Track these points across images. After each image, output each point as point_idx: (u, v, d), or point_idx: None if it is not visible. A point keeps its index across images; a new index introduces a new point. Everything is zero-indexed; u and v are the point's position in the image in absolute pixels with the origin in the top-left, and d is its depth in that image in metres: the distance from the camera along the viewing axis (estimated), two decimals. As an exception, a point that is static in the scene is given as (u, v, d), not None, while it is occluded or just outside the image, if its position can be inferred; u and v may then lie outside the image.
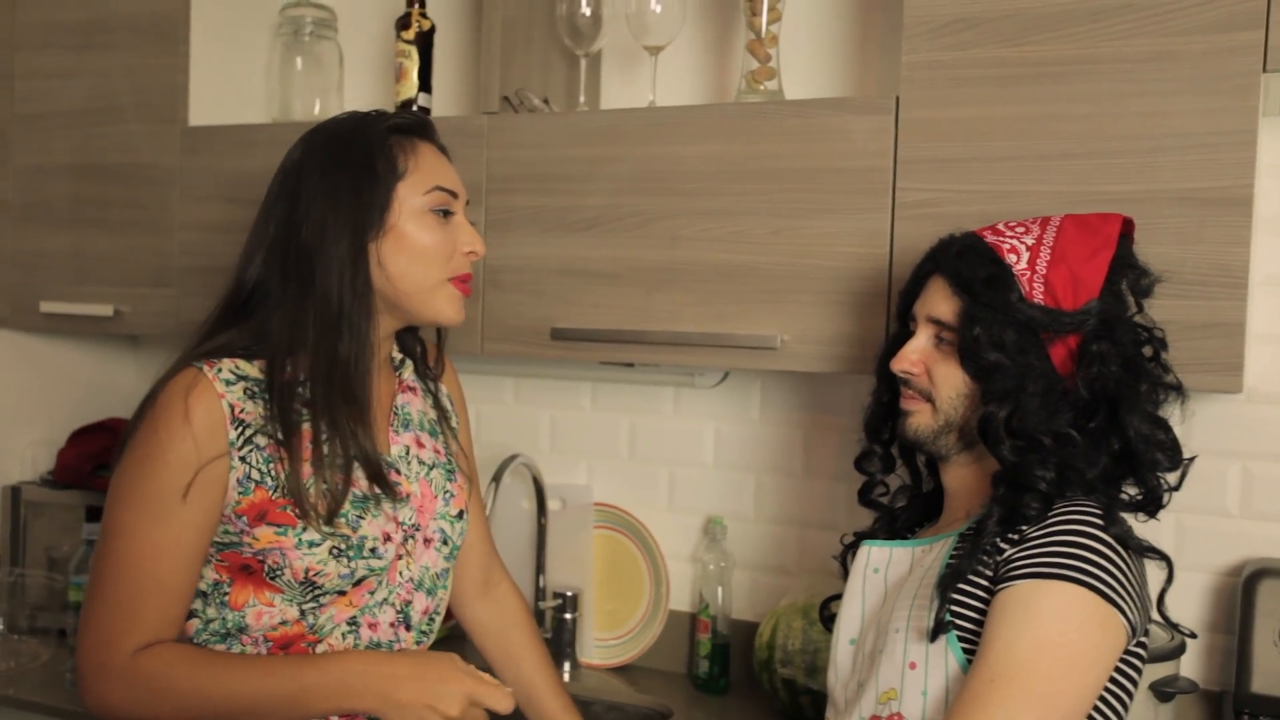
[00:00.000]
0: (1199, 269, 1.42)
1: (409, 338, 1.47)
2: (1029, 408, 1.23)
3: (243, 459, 1.26)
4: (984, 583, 1.20)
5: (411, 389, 1.45)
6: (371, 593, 1.34)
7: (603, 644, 2.10)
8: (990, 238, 1.31)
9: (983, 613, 1.19)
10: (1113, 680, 1.21)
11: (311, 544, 1.27)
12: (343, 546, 1.28)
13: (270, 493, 1.26)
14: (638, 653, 2.08)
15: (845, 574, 1.40)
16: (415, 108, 1.93)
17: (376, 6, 2.26)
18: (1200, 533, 1.74)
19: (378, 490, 1.32)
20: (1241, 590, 1.63)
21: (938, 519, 1.40)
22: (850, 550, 1.41)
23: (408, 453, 1.40)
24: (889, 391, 1.39)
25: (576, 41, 1.87)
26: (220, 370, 1.27)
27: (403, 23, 1.93)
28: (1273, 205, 1.68)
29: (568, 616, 2.06)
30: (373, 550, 1.31)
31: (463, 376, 1.64)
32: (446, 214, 1.34)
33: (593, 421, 2.15)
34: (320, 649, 1.31)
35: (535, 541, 2.12)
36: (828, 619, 1.43)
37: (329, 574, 1.28)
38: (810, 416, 1.99)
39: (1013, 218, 1.44)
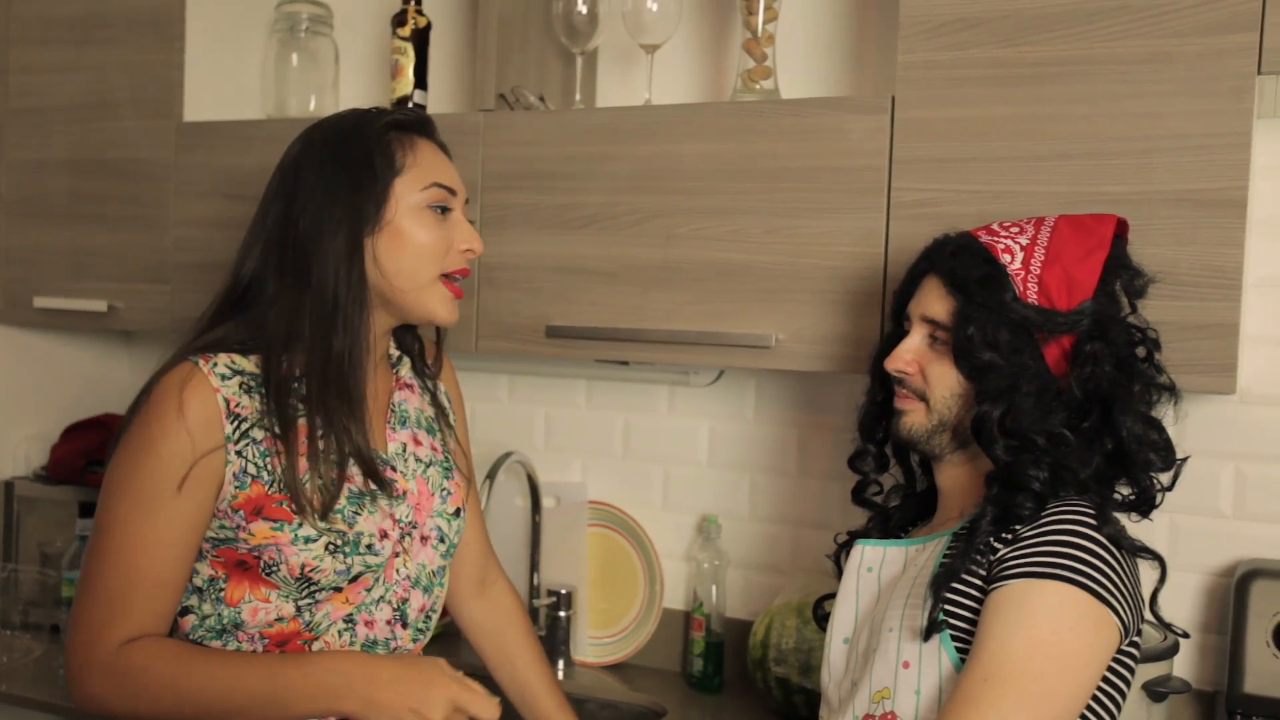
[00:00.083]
0: (1193, 270, 1.42)
1: (407, 336, 1.47)
2: (1023, 407, 1.23)
3: (239, 453, 1.26)
4: (977, 582, 1.20)
5: (409, 386, 1.45)
6: (368, 590, 1.33)
7: (597, 642, 2.10)
8: (985, 238, 1.31)
9: (976, 612, 1.19)
10: (1106, 680, 1.21)
11: (307, 539, 1.27)
12: (339, 542, 1.28)
13: (266, 487, 1.26)
14: (632, 651, 2.08)
15: (839, 573, 1.40)
16: (411, 105, 1.92)
17: (372, 3, 2.26)
18: (1193, 533, 1.74)
19: (374, 486, 1.32)
20: (1234, 591, 1.63)
21: (931, 518, 1.40)
22: (844, 549, 1.41)
23: (404, 450, 1.40)
24: (883, 391, 1.39)
25: (573, 39, 1.87)
26: (216, 365, 1.27)
27: (399, 19, 1.93)
28: (1267, 207, 1.69)
29: (562, 614, 2.06)
30: (369, 547, 1.31)
31: (458, 373, 1.64)
32: (445, 211, 1.34)
33: (587, 419, 2.15)
34: (316, 647, 1.31)
35: (529, 539, 2.12)
36: (821, 618, 1.43)
37: (325, 570, 1.28)
38: (805, 415, 1.99)
39: (1008, 218, 1.44)
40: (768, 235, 1.65)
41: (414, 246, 1.31)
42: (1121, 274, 1.31)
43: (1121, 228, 1.34)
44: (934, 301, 1.31)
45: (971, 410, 1.27)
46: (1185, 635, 1.45)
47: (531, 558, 2.11)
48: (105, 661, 1.23)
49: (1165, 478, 1.28)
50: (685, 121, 1.69)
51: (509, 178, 1.80)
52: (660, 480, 2.10)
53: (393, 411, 1.41)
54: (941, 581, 1.21)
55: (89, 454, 2.29)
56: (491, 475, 1.96)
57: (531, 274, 1.79)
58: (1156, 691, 1.55)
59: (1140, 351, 1.29)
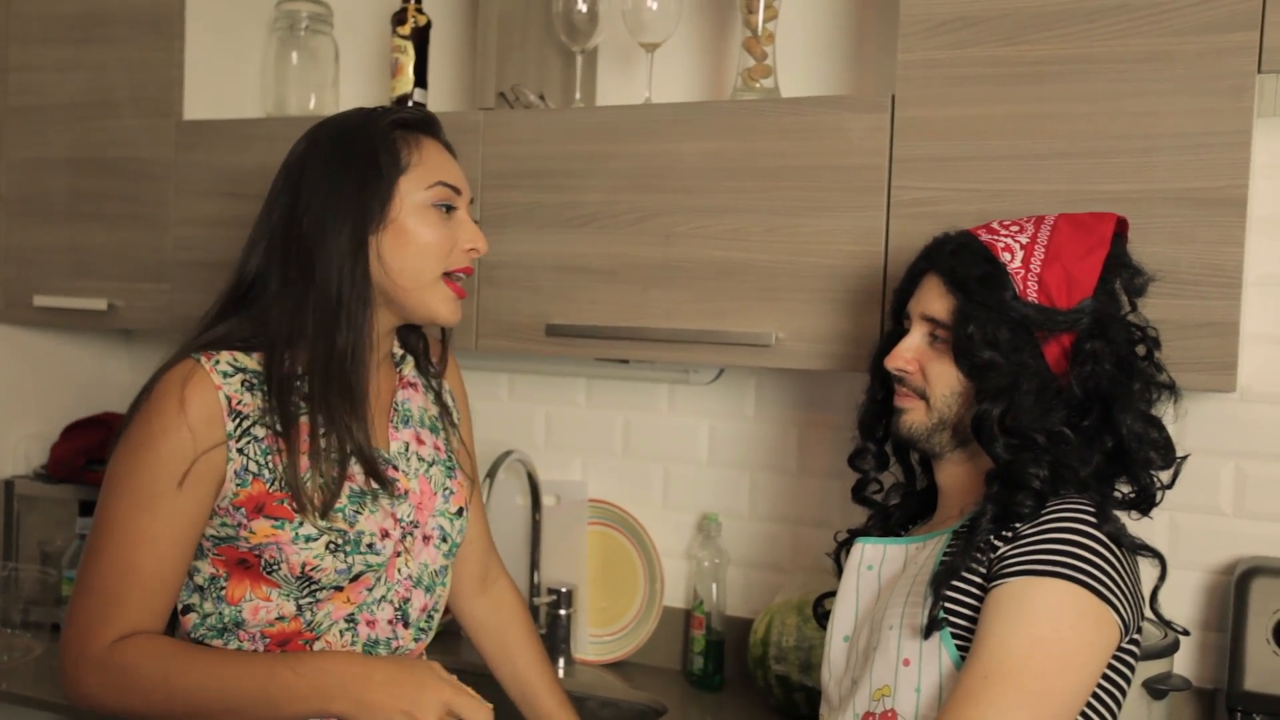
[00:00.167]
0: (1193, 268, 1.42)
1: (411, 335, 1.47)
2: (1023, 406, 1.23)
3: (240, 450, 1.26)
4: (977, 580, 1.21)
5: (412, 385, 1.45)
6: (369, 589, 1.33)
7: (597, 640, 2.11)
8: (985, 236, 1.31)
9: (976, 610, 1.19)
10: (1106, 678, 1.21)
11: (308, 538, 1.27)
12: (339, 541, 1.28)
13: (268, 485, 1.26)
14: (632, 649, 2.08)
15: (839, 571, 1.40)
16: (411, 103, 1.92)
17: (372, 2, 2.26)
18: (1193, 531, 1.74)
19: (375, 485, 1.32)
20: (1234, 588, 1.64)
21: (931, 516, 1.40)
22: (844, 547, 1.41)
23: (407, 449, 1.40)
24: (883, 389, 1.40)
25: (573, 38, 1.87)
26: (218, 362, 1.27)
27: (399, 18, 1.93)
28: (1267, 206, 1.69)
29: (562, 613, 2.07)
30: (370, 546, 1.31)
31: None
32: (449, 210, 1.34)
33: (587, 418, 2.15)
34: (318, 646, 1.31)
35: (530, 538, 2.12)
36: (822, 616, 1.43)
37: (325, 569, 1.28)
38: (805, 414, 1.99)
39: (1008, 216, 1.44)
40: (768, 234, 1.65)
41: (418, 245, 1.31)
42: (1121, 272, 1.31)
43: (1121, 226, 1.34)
44: (934, 300, 1.31)
45: (971, 408, 1.27)
46: (1185, 633, 1.46)
47: (532, 556, 2.11)
48: (98, 658, 1.23)
49: (1165, 476, 1.28)
50: (685, 120, 1.69)
51: (509, 176, 1.80)
52: (660, 478, 2.10)
53: (395, 410, 1.41)
54: (942, 579, 1.21)
55: (89, 453, 2.29)
56: (492, 474, 1.96)
57: (531, 272, 1.79)
58: (1157, 689, 1.56)
59: (1140, 350, 1.30)
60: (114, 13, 2.11)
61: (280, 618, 1.30)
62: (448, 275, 1.34)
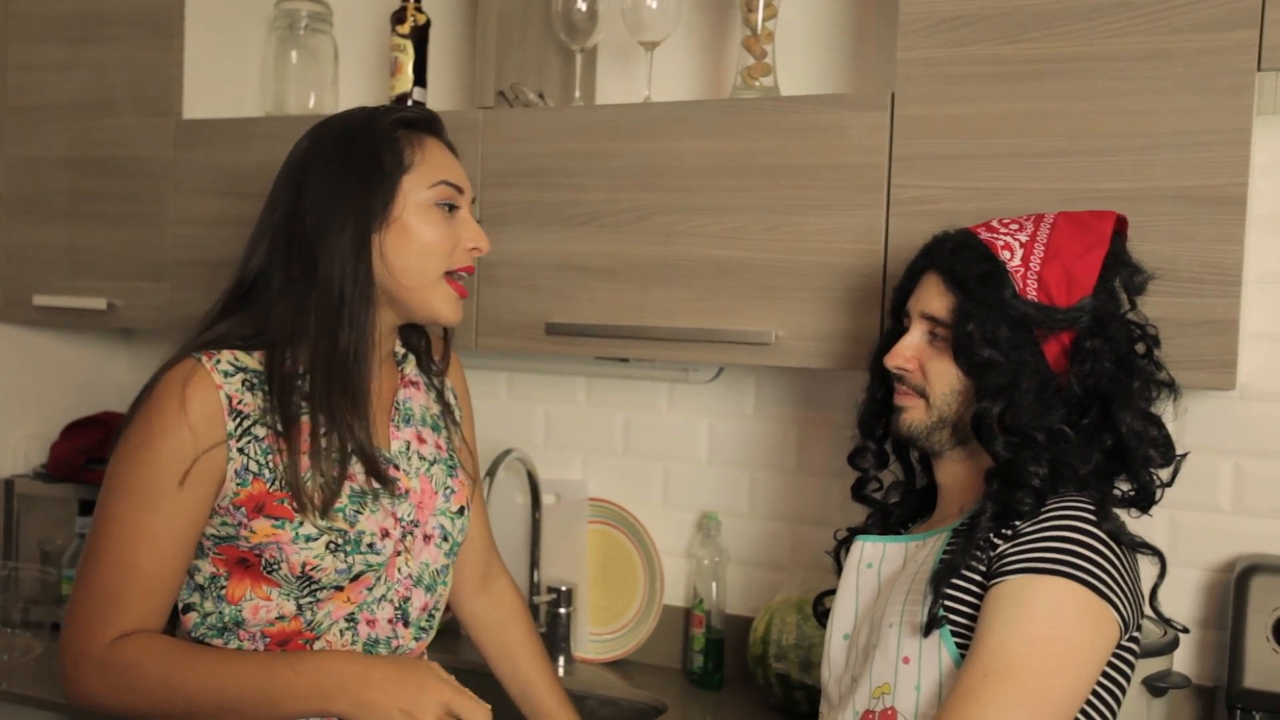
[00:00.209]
0: (1192, 266, 1.42)
1: (413, 333, 1.47)
2: (1022, 404, 1.23)
3: (241, 450, 1.26)
4: (977, 578, 1.21)
5: (414, 384, 1.45)
6: (370, 589, 1.33)
7: (597, 639, 2.11)
8: (984, 234, 1.31)
9: (976, 608, 1.19)
10: (1105, 675, 1.21)
11: (308, 538, 1.27)
12: (339, 541, 1.28)
13: (268, 485, 1.26)
14: (632, 647, 2.09)
15: (839, 569, 1.40)
16: (411, 102, 1.92)
17: (372, 1, 2.26)
18: (1193, 529, 1.74)
19: (376, 485, 1.32)
20: (1234, 586, 1.64)
21: (931, 514, 1.40)
22: (844, 545, 1.41)
23: (408, 448, 1.40)
24: (883, 387, 1.40)
25: (572, 36, 1.87)
26: (219, 361, 1.27)
27: (398, 17, 1.93)
28: (1266, 204, 1.69)
29: (562, 611, 2.07)
30: (370, 545, 1.31)
31: (458, 371, 1.64)
32: (451, 209, 1.34)
33: (587, 417, 2.15)
34: (318, 646, 1.31)
35: (530, 536, 2.12)
36: (821, 614, 1.43)
37: (326, 569, 1.28)
38: (804, 412, 1.99)
39: (1007, 215, 1.44)
40: (767, 232, 1.65)
41: (421, 244, 1.31)
42: (1121, 270, 1.31)
43: (1121, 224, 1.34)
44: (934, 298, 1.31)
45: (971, 407, 1.27)
46: (1185, 630, 1.46)
47: (532, 555, 2.11)
48: (98, 657, 1.23)
49: (1165, 474, 1.28)
50: (685, 119, 1.69)
51: (508, 175, 1.80)
52: (660, 477, 2.10)
53: (396, 409, 1.41)
54: (942, 577, 1.21)
55: (89, 452, 2.29)
56: (491, 472, 1.96)
57: (531, 271, 1.79)
58: (1156, 686, 1.56)
59: (1140, 348, 1.30)
60: (113, 12, 2.11)
61: (280, 617, 1.30)
62: (450, 274, 1.34)
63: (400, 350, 1.46)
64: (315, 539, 1.27)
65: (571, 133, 1.76)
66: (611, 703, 1.97)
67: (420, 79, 1.93)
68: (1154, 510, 1.28)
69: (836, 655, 1.33)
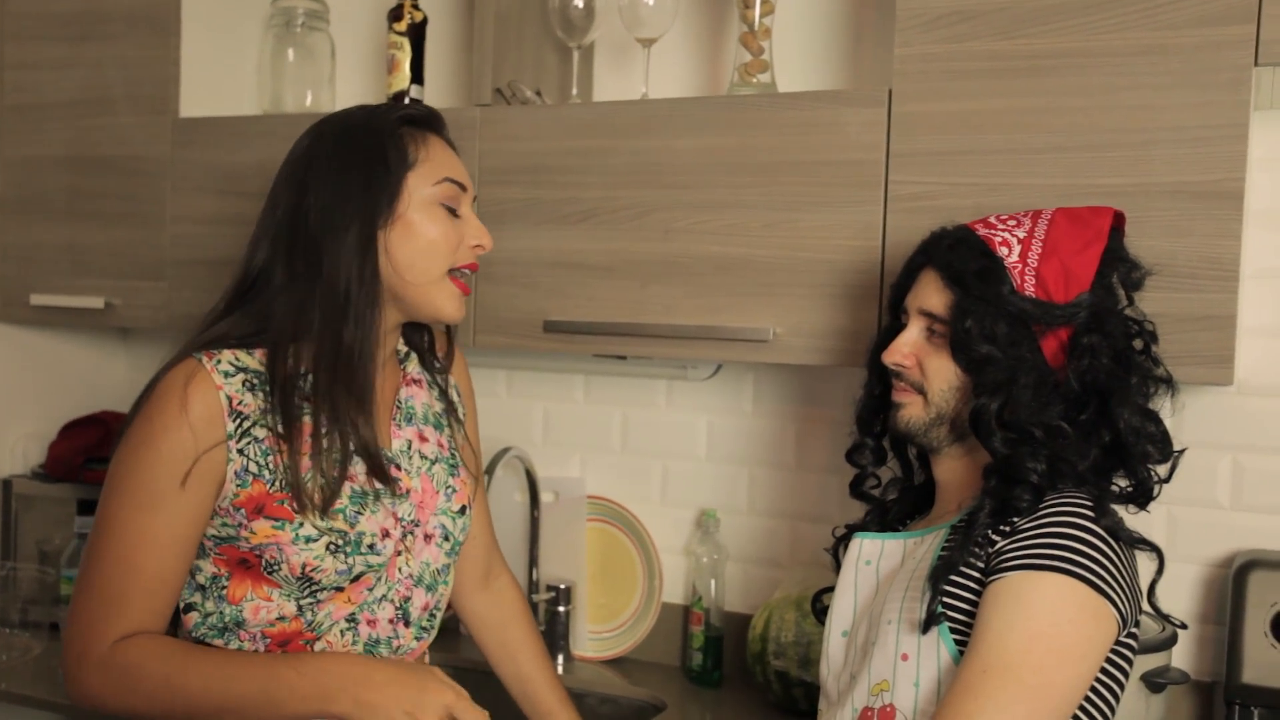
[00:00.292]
0: (1190, 262, 1.42)
1: (415, 331, 1.47)
2: (1020, 400, 1.23)
3: (240, 451, 1.26)
4: (975, 574, 1.21)
5: (416, 382, 1.45)
6: (370, 589, 1.33)
7: (596, 637, 2.11)
8: (982, 231, 1.31)
9: (974, 604, 1.19)
10: (1104, 671, 1.21)
11: (308, 539, 1.27)
12: (340, 542, 1.28)
13: (268, 486, 1.26)
14: (631, 645, 2.09)
15: (837, 566, 1.40)
16: (408, 100, 1.92)
17: (369, -2, 2.26)
18: (1191, 524, 1.74)
19: (377, 485, 1.32)
20: (1232, 581, 1.64)
21: (929, 511, 1.40)
22: (842, 543, 1.41)
23: (409, 447, 1.39)
24: (881, 384, 1.40)
25: (569, 33, 1.87)
26: (220, 362, 1.27)
27: (395, 14, 1.93)
28: (1264, 199, 1.69)
29: (561, 609, 2.07)
30: (370, 546, 1.31)
31: (456, 369, 1.64)
32: (455, 207, 1.34)
33: (586, 414, 2.15)
34: (319, 646, 1.31)
35: (528, 534, 2.12)
36: (820, 611, 1.43)
37: (326, 570, 1.28)
38: (803, 409, 1.99)
39: (1005, 211, 1.44)
40: (765, 229, 1.65)
41: (425, 241, 1.31)
42: (1119, 266, 1.31)
43: (1118, 220, 1.34)
44: (931, 295, 1.31)
45: (969, 403, 1.27)
46: (1183, 626, 1.46)
47: (530, 553, 2.11)
48: (101, 658, 1.23)
49: (1163, 469, 1.28)
50: (682, 115, 1.69)
51: (506, 173, 1.80)
52: (659, 475, 2.10)
53: (398, 408, 1.41)
54: (940, 574, 1.21)
55: (87, 451, 2.29)
56: (490, 470, 1.96)
57: (529, 269, 1.79)
58: (1155, 682, 1.56)
59: (1138, 344, 1.30)
60: (110, 10, 2.11)
61: (281, 617, 1.30)
62: (453, 271, 1.34)
63: (403, 348, 1.45)
64: (315, 540, 1.27)
65: (569, 130, 1.76)
66: (611, 700, 1.97)
67: (417, 76, 1.93)
68: (1152, 506, 1.28)
69: (835, 652, 1.33)
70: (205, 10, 2.12)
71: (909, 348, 1.32)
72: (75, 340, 2.46)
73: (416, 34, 1.93)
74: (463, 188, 1.35)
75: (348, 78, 2.25)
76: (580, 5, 1.85)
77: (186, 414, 1.23)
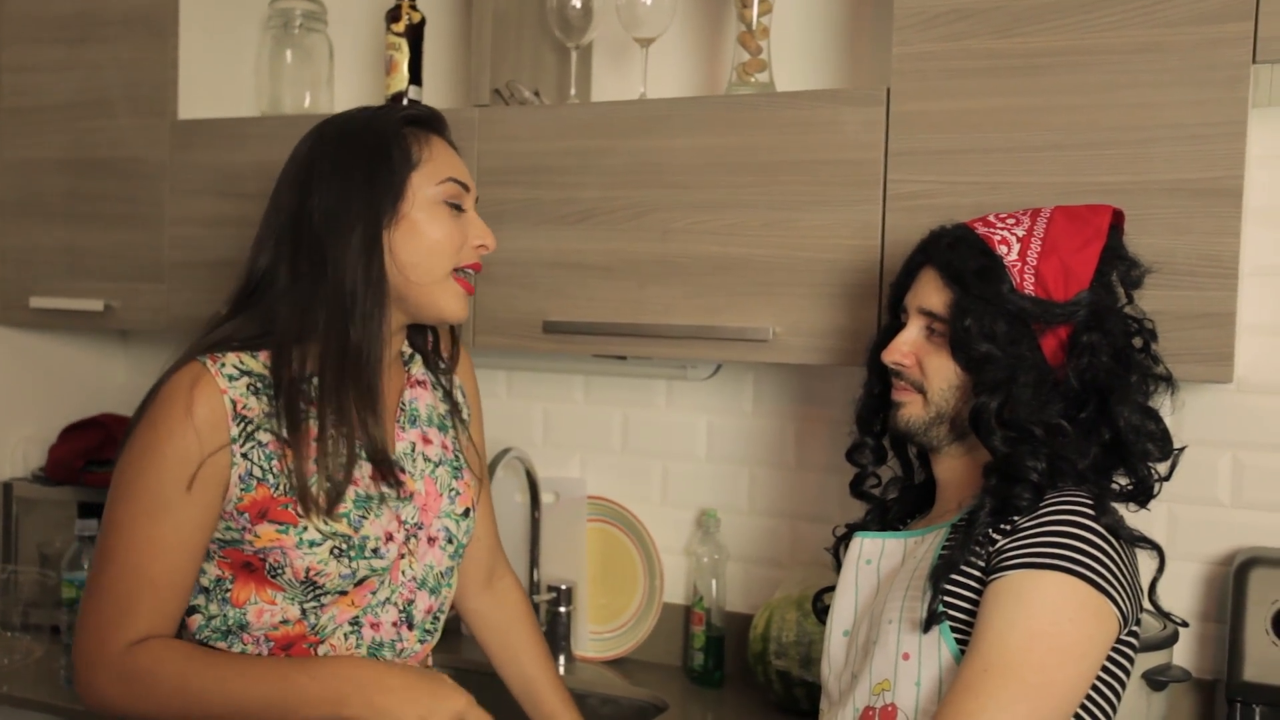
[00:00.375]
0: (1189, 260, 1.42)
1: (418, 333, 1.46)
2: (1020, 398, 1.23)
3: (244, 455, 1.25)
4: (976, 573, 1.21)
5: (420, 383, 1.44)
6: (374, 592, 1.33)
7: (597, 637, 2.11)
8: (981, 229, 1.31)
9: (975, 603, 1.19)
10: (1105, 670, 1.21)
11: (312, 543, 1.26)
12: (344, 546, 1.28)
13: (272, 490, 1.26)
14: (632, 646, 2.08)
15: (838, 566, 1.40)
16: (406, 101, 1.92)
17: (366, -1, 2.26)
18: (1192, 522, 1.74)
19: (382, 489, 1.32)
20: (1233, 579, 1.64)
21: (929, 510, 1.40)
22: (843, 542, 1.41)
23: (413, 450, 1.39)
24: (880, 383, 1.40)
25: (567, 34, 1.87)
26: (224, 365, 1.26)
27: (393, 15, 1.93)
28: (1263, 196, 1.69)
29: (562, 610, 2.07)
30: (374, 550, 1.30)
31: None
32: (458, 207, 1.34)
33: (585, 415, 2.15)
34: (322, 650, 1.31)
35: (529, 535, 2.12)
36: (821, 611, 1.43)
37: (329, 574, 1.28)
38: (802, 409, 1.99)
39: (1004, 209, 1.44)
40: (764, 229, 1.64)
41: (430, 241, 1.31)
42: (1118, 264, 1.31)
43: (1117, 218, 1.34)
44: (931, 294, 1.31)
45: (969, 402, 1.27)
46: (1184, 624, 1.46)
47: (531, 553, 2.11)
48: (113, 663, 1.23)
49: (1163, 467, 1.28)
50: (681, 115, 1.69)
51: (504, 173, 1.80)
52: (659, 475, 2.10)
53: (402, 410, 1.40)
54: (941, 573, 1.21)
55: (87, 454, 2.29)
56: (490, 471, 1.95)
57: (528, 269, 1.79)
58: (1156, 680, 1.56)
59: (1137, 342, 1.29)
60: (108, 12, 2.11)
61: (284, 621, 1.30)
62: (457, 271, 1.34)
63: (406, 350, 1.45)
64: (319, 544, 1.27)
65: (567, 130, 1.76)
66: (612, 701, 1.97)
67: (416, 77, 1.93)
68: (1152, 504, 1.28)
69: (836, 652, 1.33)
70: (203, 12, 2.12)
71: (908, 347, 1.32)
72: (75, 343, 2.46)
73: (414, 35, 1.93)
74: (466, 188, 1.35)
75: (346, 79, 2.25)
76: (578, 5, 1.85)
77: (191, 417, 1.23)
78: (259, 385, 1.27)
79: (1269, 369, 1.70)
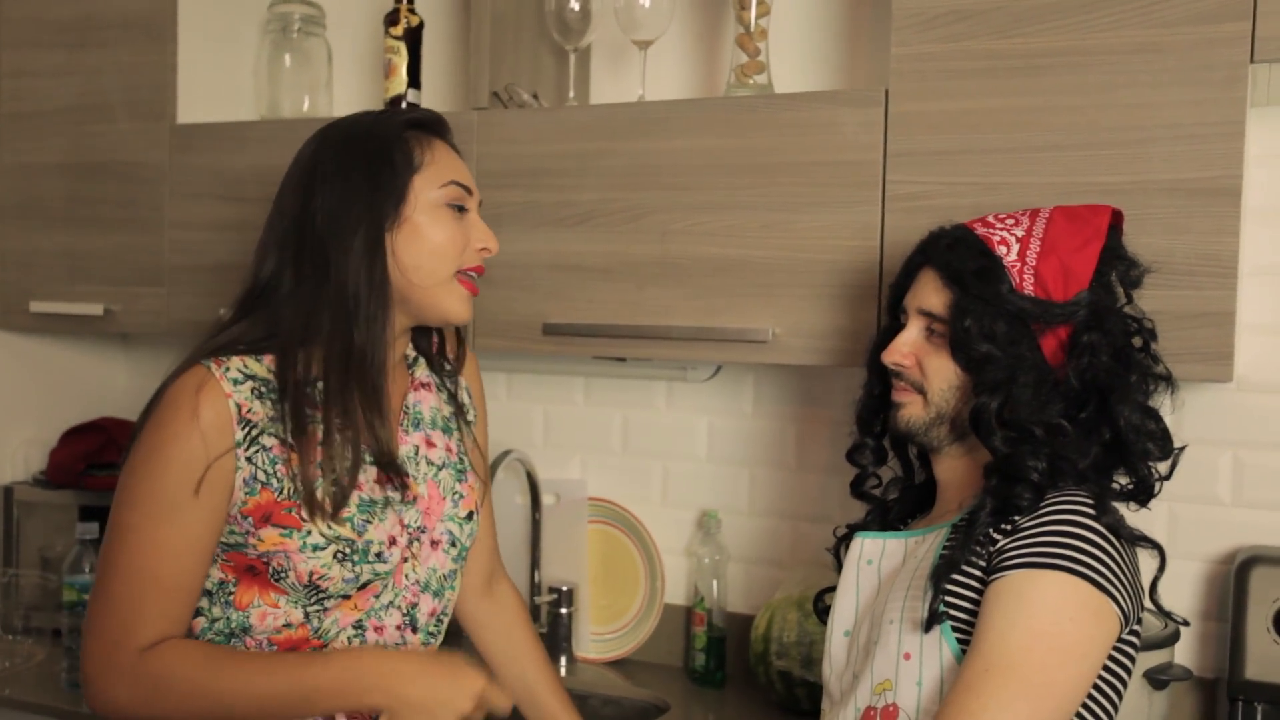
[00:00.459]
0: (1188, 259, 1.42)
1: (422, 336, 1.46)
2: (1020, 399, 1.23)
3: (249, 459, 1.25)
4: (977, 573, 1.21)
5: (424, 386, 1.44)
6: (377, 596, 1.33)
7: (599, 638, 2.11)
8: (980, 230, 1.31)
9: (976, 603, 1.20)
10: (1107, 669, 1.21)
11: (316, 547, 1.26)
12: (347, 550, 1.28)
13: (276, 494, 1.26)
14: (633, 647, 2.09)
15: (839, 566, 1.40)
16: (404, 104, 1.92)
17: (365, 3, 2.25)
18: (1192, 521, 1.74)
19: (386, 493, 1.32)
20: (1234, 578, 1.64)
21: (930, 510, 1.40)
22: (843, 542, 1.42)
23: (416, 453, 1.39)
24: (880, 384, 1.40)
25: (565, 36, 1.87)
26: (228, 369, 1.26)
27: (391, 19, 1.93)
28: (1261, 196, 1.69)
29: (563, 611, 2.07)
30: (378, 555, 1.30)
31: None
32: (461, 210, 1.35)
33: (586, 416, 2.15)
34: None
35: (530, 537, 2.12)
36: (822, 611, 1.43)
37: (333, 578, 1.28)
38: (802, 409, 1.99)
39: (1003, 210, 1.44)
40: (763, 230, 1.65)
41: (432, 244, 1.31)
42: (1117, 264, 1.31)
43: (1116, 218, 1.34)
44: (930, 294, 1.31)
45: (969, 402, 1.27)
46: (1185, 623, 1.46)
47: (532, 555, 2.11)
48: (128, 668, 1.22)
49: (1163, 467, 1.28)
50: (679, 117, 1.69)
51: (504, 176, 1.80)
52: (659, 476, 2.10)
53: (406, 413, 1.40)
54: (942, 573, 1.21)
55: (88, 457, 2.29)
56: (491, 473, 1.96)
57: (527, 272, 1.79)
58: (1158, 679, 1.56)
59: (1137, 341, 1.30)
60: (107, 17, 2.11)
61: (287, 624, 1.30)
62: (460, 273, 1.34)
63: (410, 353, 1.45)
64: (323, 548, 1.27)
65: (566, 133, 1.76)
66: (613, 702, 1.97)
67: (414, 81, 1.93)
68: (1153, 503, 1.29)
69: (837, 652, 1.33)
70: (202, 16, 2.12)
71: (908, 347, 1.32)
72: (75, 347, 2.46)
73: (413, 38, 1.93)
74: (468, 190, 1.35)
75: (345, 82, 2.25)
76: (576, 8, 1.85)
77: (197, 421, 1.23)
78: (264, 389, 1.27)
79: (1269, 368, 1.71)
